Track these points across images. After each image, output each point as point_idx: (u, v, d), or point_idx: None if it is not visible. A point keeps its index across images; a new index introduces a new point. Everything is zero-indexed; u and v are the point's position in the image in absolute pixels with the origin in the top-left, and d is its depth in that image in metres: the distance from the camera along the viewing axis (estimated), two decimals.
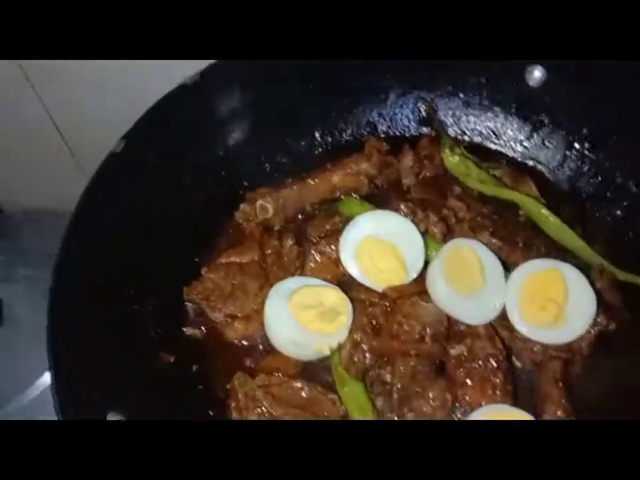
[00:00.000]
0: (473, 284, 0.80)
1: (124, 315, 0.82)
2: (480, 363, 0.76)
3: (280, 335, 0.79)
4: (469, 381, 0.76)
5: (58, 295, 0.75)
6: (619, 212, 0.94)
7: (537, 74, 0.98)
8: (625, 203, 0.94)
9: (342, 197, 0.99)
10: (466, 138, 1.06)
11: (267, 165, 1.03)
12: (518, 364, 0.81)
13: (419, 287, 0.82)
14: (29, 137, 1.29)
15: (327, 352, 0.77)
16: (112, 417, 0.69)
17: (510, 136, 1.04)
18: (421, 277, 0.83)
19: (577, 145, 0.99)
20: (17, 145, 1.31)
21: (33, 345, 1.12)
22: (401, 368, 0.76)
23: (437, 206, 0.93)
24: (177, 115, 0.90)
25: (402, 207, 0.89)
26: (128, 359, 0.78)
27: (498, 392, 0.75)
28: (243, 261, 0.92)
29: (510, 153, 1.04)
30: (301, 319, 0.78)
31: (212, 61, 0.92)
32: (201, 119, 0.93)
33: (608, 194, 0.96)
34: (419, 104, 1.06)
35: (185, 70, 0.91)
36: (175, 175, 0.92)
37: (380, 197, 1.00)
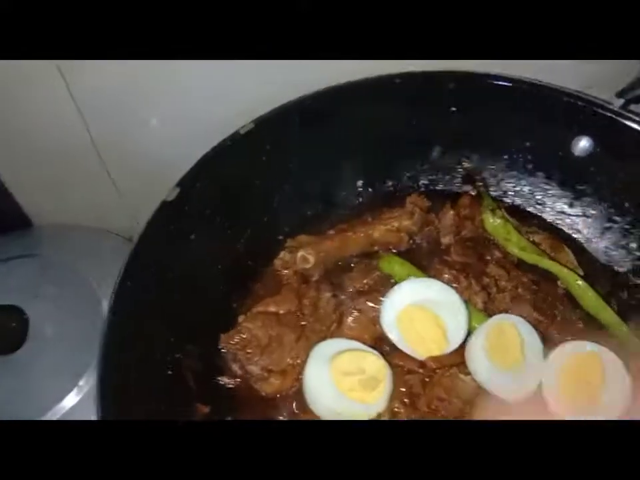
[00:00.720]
0: (512, 361, 0.81)
1: (165, 363, 0.83)
2: None
3: (319, 402, 0.79)
4: None
5: (108, 344, 0.75)
6: None
7: (582, 144, 0.98)
8: None
9: (380, 251, 1.00)
10: (506, 200, 1.06)
11: (309, 213, 1.04)
12: None
13: (458, 357, 0.83)
14: (64, 149, 1.28)
15: None
16: None
17: (551, 202, 1.04)
18: (462, 347, 0.84)
19: (617, 219, 0.99)
20: (51, 158, 1.31)
21: (57, 365, 1.13)
22: None
23: (478, 272, 0.93)
24: (228, 164, 0.90)
25: (445, 274, 0.89)
26: (166, 410, 0.79)
27: None
28: (280, 311, 0.93)
29: (549, 219, 1.04)
30: (342, 386, 0.78)
31: (265, 111, 0.93)
32: (250, 168, 0.94)
33: None
34: (462, 161, 1.07)
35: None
36: (221, 224, 0.92)
37: (417, 253, 1.00)
